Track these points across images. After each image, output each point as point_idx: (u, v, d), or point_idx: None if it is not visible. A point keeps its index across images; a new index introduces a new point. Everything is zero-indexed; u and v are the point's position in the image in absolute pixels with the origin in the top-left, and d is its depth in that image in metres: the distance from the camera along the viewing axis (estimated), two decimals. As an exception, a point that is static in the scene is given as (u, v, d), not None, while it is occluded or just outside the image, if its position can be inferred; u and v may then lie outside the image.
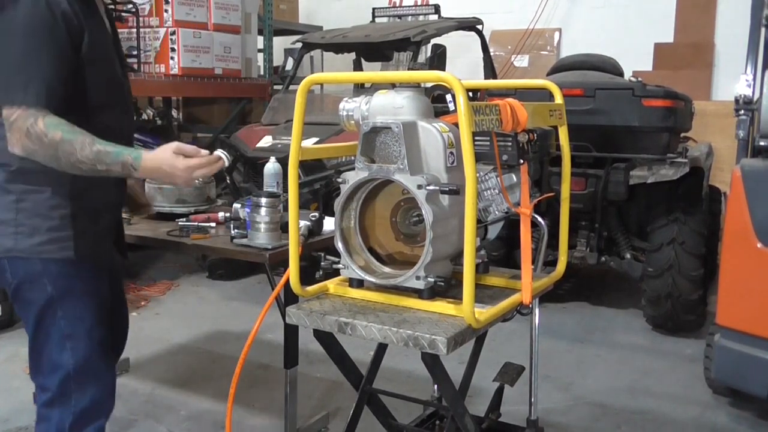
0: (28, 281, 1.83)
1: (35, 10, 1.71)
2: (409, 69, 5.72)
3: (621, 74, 4.89)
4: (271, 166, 2.96)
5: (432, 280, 1.71)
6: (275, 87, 6.65)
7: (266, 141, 4.89)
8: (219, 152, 1.86)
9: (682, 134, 4.88)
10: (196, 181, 1.89)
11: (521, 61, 7.25)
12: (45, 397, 1.89)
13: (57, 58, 1.72)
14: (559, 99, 2.13)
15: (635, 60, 6.24)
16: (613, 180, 4.26)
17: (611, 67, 4.85)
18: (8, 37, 1.72)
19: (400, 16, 6.27)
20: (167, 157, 1.79)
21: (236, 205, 2.74)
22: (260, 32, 6.79)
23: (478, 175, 1.74)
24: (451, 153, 1.72)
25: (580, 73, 4.73)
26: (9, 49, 1.72)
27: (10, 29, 1.71)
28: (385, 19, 6.20)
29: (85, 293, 1.87)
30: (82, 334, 1.86)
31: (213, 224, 2.81)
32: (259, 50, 6.75)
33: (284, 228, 2.38)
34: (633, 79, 4.51)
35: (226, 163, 1.86)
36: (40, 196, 1.81)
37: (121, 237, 2.13)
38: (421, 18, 6.16)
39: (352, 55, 6.10)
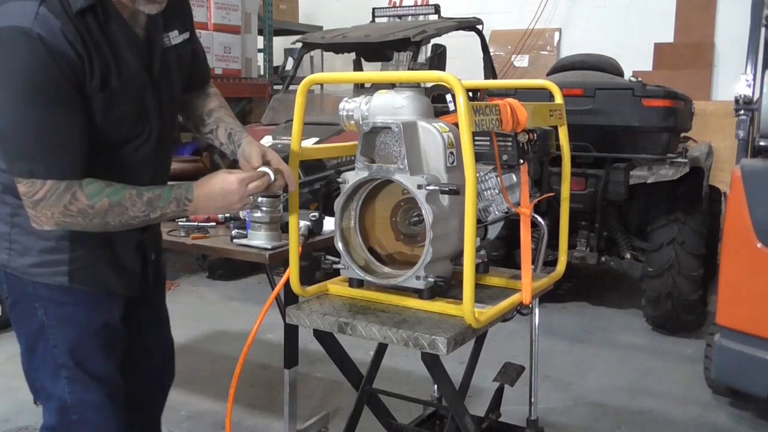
0: (21, 302, 1.69)
1: (33, 60, 1.43)
2: (409, 69, 5.72)
3: (621, 74, 4.89)
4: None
5: (432, 280, 1.71)
6: (275, 87, 6.65)
7: (266, 141, 4.88)
8: (263, 168, 1.69)
9: (682, 134, 4.88)
10: (250, 199, 1.68)
11: (521, 61, 7.25)
12: (47, 424, 1.75)
13: (67, 115, 1.48)
14: (559, 99, 2.12)
15: (635, 60, 6.25)
16: (613, 180, 4.26)
17: (611, 67, 4.85)
18: (10, 100, 1.46)
19: (400, 16, 6.26)
20: (219, 177, 1.63)
21: (236, 205, 2.73)
22: (260, 32, 6.79)
23: (478, 175, 1.74)
24: (451, 153, 1.72)
25: (580, 73, 4.73)
26: (15, 112, 1.46)
27: (9, 87, 1.45)
28: (385, 19, 6.20)
29: (82, 323, 1.68)
30: (73, 365, 1.67)
31: (213, 224, 2.81)
32: (259, 50, 6.75)
33: (284, 228, 2.37)
34: (633, 79, 4.50)
35: (272, 177, 1.68)
36: None
37: (151, 260, 1.85)
38: (421, 18, 6.16)
39: (352, 55, 6.10)
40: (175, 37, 1.72)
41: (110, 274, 1.71)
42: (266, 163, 1.71)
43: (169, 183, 1.68)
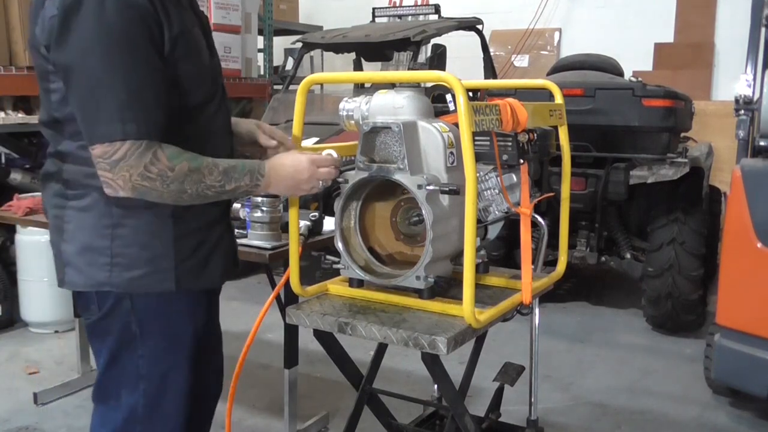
0: (113, 316, 1.59)
1: (115, 15, 1.39)
2: (409, 69, 5.71)
3: (621, 74, 4.89)
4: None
5: (432, 280, 1.71)
6: (275, 87, 6.65)
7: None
8: (329, 150, 1.67)
9: (682, 134, 4.88)
10: (320, 184, 1.64)
11: (521, 61, 7.24)
12: (105, 428, 1.67)
13: (153, 73, 1.44)
14: (559, 99, 2.12)
15: (635, 60, 6.25)
16: (613, 180, 4.26)
17: (611, 67, 4.85)
18: (86, 53, 1.40)
19: (400, 16, 6.26)
20: (290, 157, 1.62)
21: (236, 205, 2.73)
22: (260, 32, 6.78)
23: (478, 174, 1.73)
24: (451, 153, 1.72)
25: (580, 73, 4.73)
26: (90, 69, 1.40)
27: (86, 43, 1.39)
28: (385, 19, 6.20)
29: (173, 333, 1.62)
30: (157, 376, 1.61)
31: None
32: (259, 50, 6.75)
33: (284, 228, 2.37)
34: (633, 79, 4.51)
35: (336, 156, 1.65)
36: (140, 221, 1.54)
37: (233, 247, 1.76)
38: (421, 18, 6.16)
39: (352, 55, 6.10)
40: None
41: (210, 264, 1.64)
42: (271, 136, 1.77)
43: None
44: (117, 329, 1.59)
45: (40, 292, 4.09)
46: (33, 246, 4.01)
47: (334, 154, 1.66)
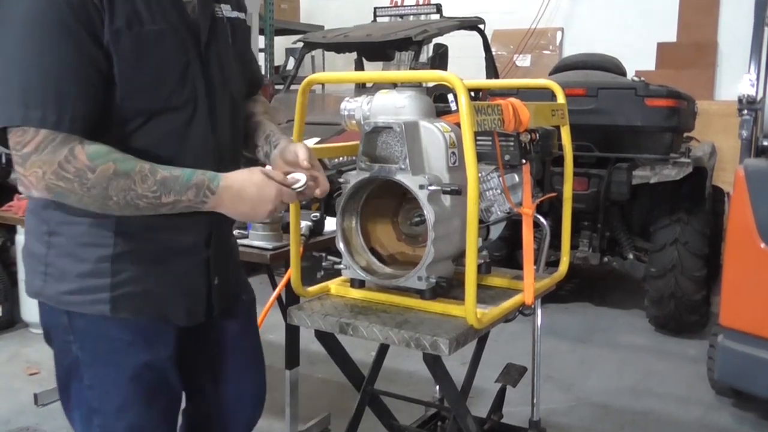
0: (54, 333, 1.47)
1: None
2: (410, 69, 5.72)
3: (624, 74, 4.88)
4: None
5: (434, 280, 1.71)
6: (276, 87, 6.65)
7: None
8: (296, 175, 1.45)
9: (685, 134, 4.87)
10: (277, 214, 1.45)
11: (523, 60, 7.24)
12: None
13: (81, 61, 1.26)
14: (561, 99, 2.12)
15: (638, 59, 6.24)
16: (615, 180, 4.25)
17: (614, 67, 4.84)
18: (4, 34, 1.26)
19: (401, 16, 6.26)
20: (256, 178, 1.36)
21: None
22: (261, 32, 6.78)
23: (480, 175, 1.73)
24: (453, 153, 1.72)
25: (582, 72, 4.72)
26: (10, 52, 1.25)
27: (6, 24, 1.26)
28: (386, 19, 6.20)
29: (121, 361, 1.43)
30: (110, 412, 1.44)
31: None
32: (260, 50, 6.75)
33: (285, 228, 2.37)
34: (636, 78, 4.50)
35: (302, 185, 1.44)
36: (75, 229, 1.38)
37: (214, 285, 1.53)
38: (422, 17, 6.16)
39: (354, 55, 6.10)
40: (228, 12, 1.51)
41: (165, 298, 1.45)
42: (308, 167, 1.49)
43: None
44: (60, 351, 1.47)
45: (40, 293, 4.09)
46: (34, 246, 4.01)
47: (303, 180, 1.44)
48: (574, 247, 4.39)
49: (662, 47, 6.63)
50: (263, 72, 6.93)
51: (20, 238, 4.11)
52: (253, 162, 1.53)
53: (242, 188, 1.36)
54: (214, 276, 1.52)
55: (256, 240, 2.49)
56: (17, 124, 1.24)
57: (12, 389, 3.43)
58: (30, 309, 4.17)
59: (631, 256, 4.46)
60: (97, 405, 1.44)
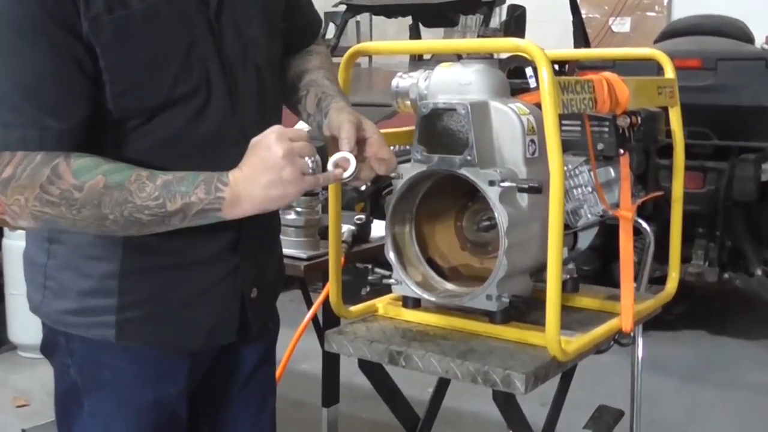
0: (52, 350, 1.51)
1: None
2: (479, 36, 5.70)
3: (750, 41, 4.80)
4: None
5: (507, 299, 1.70)
6: (313, 60, 6.70)
7: (301, 125, 4.94)
8: (344, 154, 1.38)
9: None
10: (306, 170, 1.26)
11: (621, 24, 7.16)
12: None
13: (59, 60, 1.26)
14: (670, 73, 2.10)
15: (768, 23, 6.10)
16: (739, 175, 4.19)
17: (737, 32, 4.77)
18: None
19: (467, -29, 6.26)
20: (265, 142, 1.29)
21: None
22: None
23: (565, 168, 1.72)
24: (532, 141, 1.72)
25: (696, 39, 4.66)
26: None
27: None
28: (449, -25, 6.20)
29: (123, 396, 1.46)
30: None
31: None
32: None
33: (322, 234, 2.39)
34: (766, 46, 4.41)
35: (352, 167, 1.36)
36: (78, 238, 1.40)
37: (251, 298, 1.54)
38: (493, -28, 6.14)
39: (408, 20, 6.12)
40: None
41: (181, 322, 1.45)
42: (362, 140, 1.42)
43: None
44: (59, 370, 1.51)
45: (31, 309, 4.21)
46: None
47: (351, 166, 1.36)
48: (685, 259, 4.31)
49: (801, 6, 6.47)
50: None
51: (8, 243, 4.23)
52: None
53: (246, 158, 1.31)
54: (251, 287, 1.52)
55: (287, 247, 2.50)
56: None
57: (-3, 424, 3.54)
58: (19, 328, 4.27)
59: (759, 271, 4.39)
60: None
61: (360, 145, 1.41)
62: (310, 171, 1.30)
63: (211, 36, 1.40)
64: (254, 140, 1.32)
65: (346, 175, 1.36)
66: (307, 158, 1.29)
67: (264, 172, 1.28)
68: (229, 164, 1.32)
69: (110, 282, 1.40)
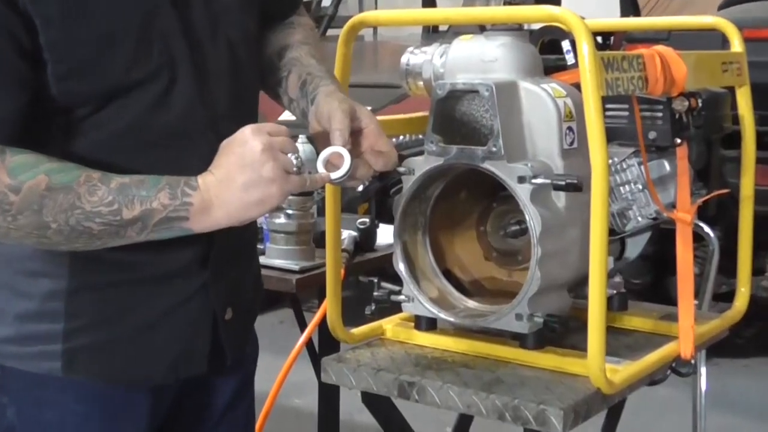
0: None
1: None
2: (505, 3, 5.70)
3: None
4: (299, 147, 3.00)
5: (541, 320, 1.70)
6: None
7: (287, 116, 4.95)
8: (336, 148, 1.38)
9: None
10: (290, 168, 1.30)
11: (679, -13, 7.16)
12: None
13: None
14: (737, 46, 2.10)
15: None
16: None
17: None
18: None
19: (492, -76, 6.28)
20: (239, 138, 1.30)
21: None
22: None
23: (611, 161, 1.73)
24: (570, 129, 1.72)
25: (769, 5, 4.66)
26: None
27: None
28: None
29: None
30: None
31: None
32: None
33: (319, 240, 2.40)
34: None
35: (347, 164, 1.36)
36: (14, 250, 1.40)
37: (224, 320, 1.53)
38: (523, -75, 6.15)
39: (421, -16, 6.13)
40: None
41: (140, 350, 1.45)
42: (356, 130, 1.42)
43: None
44: None
45: None
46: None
47: (345, 164, 1.37)
48: (757, 272, 4.31)
49: None
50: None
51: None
52: None
53: (218, 158, 1.32)
54: (224, 307, 1.52)
55: (276, 258, 2.52)
56: None
57: None
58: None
59: None
60: None
61: (355, 137, 1.41)
62: (294, 170, 1.30)
63: (174, 6, 1.39)
64: (226, 140, 1.33)
65: (338, 174, 1.37)
66: (290, 154, 1.31)
67: (240, 171, 1.28)
68: (198, 161, 1.33)
69: (55, 303, 1.39)
